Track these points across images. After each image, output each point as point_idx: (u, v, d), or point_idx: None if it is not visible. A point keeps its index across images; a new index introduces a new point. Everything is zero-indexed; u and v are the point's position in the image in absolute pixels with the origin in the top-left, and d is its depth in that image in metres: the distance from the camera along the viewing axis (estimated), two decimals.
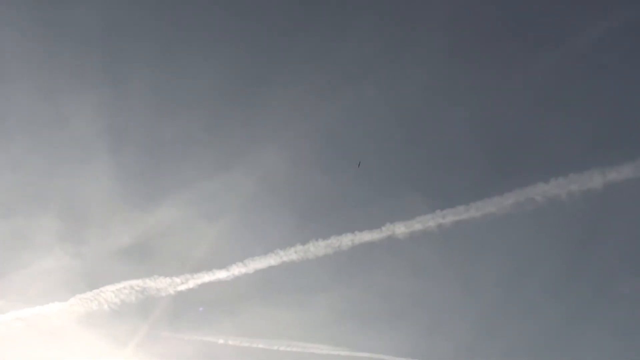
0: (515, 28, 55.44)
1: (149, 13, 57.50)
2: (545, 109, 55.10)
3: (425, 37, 55.57)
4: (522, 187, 51.13)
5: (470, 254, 55.43)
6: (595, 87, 55.15)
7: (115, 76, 57.35)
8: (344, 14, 55.53)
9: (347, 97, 55.23)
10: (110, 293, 55.74)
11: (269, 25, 56.62)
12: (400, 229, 52.99)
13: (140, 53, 57.20)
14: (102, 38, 57.50)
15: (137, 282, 56.54)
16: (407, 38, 55.79)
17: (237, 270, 55.44)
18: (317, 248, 54.21)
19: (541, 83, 54.87)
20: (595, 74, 55.00)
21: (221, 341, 57.06)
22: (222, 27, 57.62)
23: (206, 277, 56.17)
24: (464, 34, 55.36)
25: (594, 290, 53.39)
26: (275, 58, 56.60)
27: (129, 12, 57.08)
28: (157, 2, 57.55)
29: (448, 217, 52.44)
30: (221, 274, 55.86)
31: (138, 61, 57.29)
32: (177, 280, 56.48)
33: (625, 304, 53.27)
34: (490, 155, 55.65)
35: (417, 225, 52.90)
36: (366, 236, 53.72)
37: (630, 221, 53.46)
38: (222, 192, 56.71)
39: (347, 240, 53.87)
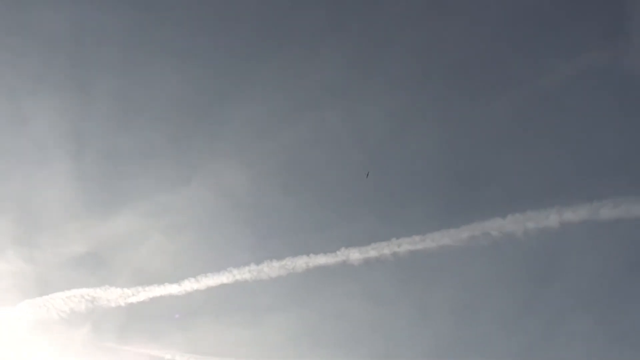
0: (483, 64, 56.19)
1: (118, 22, 57.38)
2: (507, 145, 55.78)
3: (392, 67, 56.05)
4: (479, 220, 51.54)
5: (424, 283, 55.56)
6: (558, 128, 55.78)
7: (81, 82, 56.97)
8: (314, 39, 55.89)
9: (312, 120, 55.66)
10: (60, 300, 54.98)
11: (239, 43, 56.77)
12: (355, 254, 53.02)
13: (108, 61, 56.94)
14: (71, 43, 57.19)
15: (88, 291, 55.85)
16: (374, 67, 56.26)
17: (189, 285, 54.99)
18: (271, 269, 53.96)
19: (505, 120, 55.52)
20: (559, 115, 55.63)
21: (169, 356, 56.21)
22: (192, 42, 57.54)
23: (158, 291, 55.60)
24: (431, 66, 55.92)
25: (544, 326, 53.35)
26: (242, 76, 56.74)
27: (99, 19, 56.88)
28: (127, 11, 57.33)
29: (403, 245, 52.52)
30: (173, 289, 55.37)
31: (105, 69, 57.06)
32: (128, 291, 55.85)
33: (575, 342, 53.38)
34: (449, 187, 56.04)
35: (372, 251, 52.96)
36: (321, 259, 53.58)
37: (583, 262, 53.87)
38: (180, 206, 56.46)
39: (301, 262, 53.66)
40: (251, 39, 56.47)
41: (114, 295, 55.75)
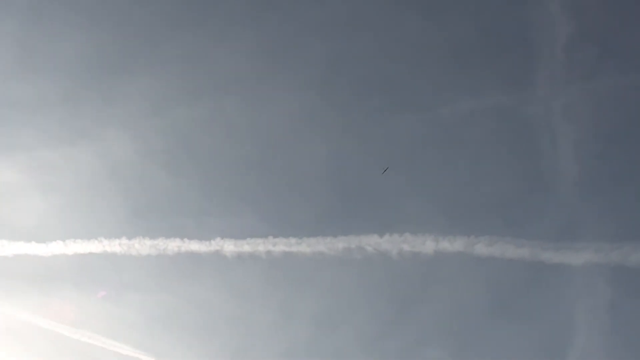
0: (390, 82, 56.74)
1: None
2: (397, 166, 56.04)
3: (301, 70, 56.04)
4: (356, 234, 52.02)
5: (292, 286, 55.41)
6: (450, 159, 56.81)
7: None
8: (229, 25, 55.17)
9: (210, 105, 54.95)
10: None
11: (152, 15, 55.50)
12: (229, 246, 52.67)
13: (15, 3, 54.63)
14: None
15: None
16: (283, 66, 56.10)
17: (56, 248, 53.38)
18: (143, 246, 52.99)
19: (400, 141, 56.16)
20: (453, 147, 56.66)
21: (23, 318, 54.38)
22: (105, 5, 55.94)
23: (23, 249, 53.70)
24: (340, 76, 56.13)
25: (399, 352, 53.69)
26: (148, 48, 55.61)
27: None
28: None
29: (279, 245, 52.53)
30: (39, 249, 53.62)
31: (9, 11, 54.68)
32: None
33: None
34: (333, 197, 56.12)
35: (246, 246, 52.76)
36: (194, 245, 52.99)
37: (450, 293, 54.72)
38: (60, 165, 54.68)
39: (174, 245, 52.94)
40: (164, 13, 55.53)
41: None
